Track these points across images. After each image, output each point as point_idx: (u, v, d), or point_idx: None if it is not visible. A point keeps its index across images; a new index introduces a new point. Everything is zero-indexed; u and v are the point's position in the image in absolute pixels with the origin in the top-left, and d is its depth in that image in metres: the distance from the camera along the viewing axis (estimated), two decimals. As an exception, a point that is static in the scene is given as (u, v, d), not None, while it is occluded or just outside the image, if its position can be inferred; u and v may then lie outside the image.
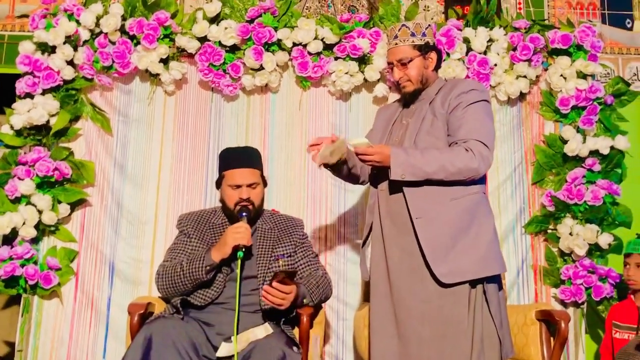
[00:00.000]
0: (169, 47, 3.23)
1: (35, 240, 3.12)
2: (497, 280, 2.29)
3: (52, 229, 3.13)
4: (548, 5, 3.94)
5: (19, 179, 3.06)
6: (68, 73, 3.16)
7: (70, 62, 3.19)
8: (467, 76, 3.28)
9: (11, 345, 3.72)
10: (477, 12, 3.41)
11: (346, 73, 3.27)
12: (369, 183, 2.56)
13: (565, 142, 3.31)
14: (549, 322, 2.62)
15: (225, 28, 3.25)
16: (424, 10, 3.83)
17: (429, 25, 2.42)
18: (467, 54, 3.32)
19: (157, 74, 3.26)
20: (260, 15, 3.27)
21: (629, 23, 4.00)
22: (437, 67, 2.46)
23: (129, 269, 3.18)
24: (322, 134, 3.32)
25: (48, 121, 3.14)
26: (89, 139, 3.26)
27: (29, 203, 3.06)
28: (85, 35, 3.20)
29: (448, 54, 3.28)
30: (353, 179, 2.56)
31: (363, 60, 3.30)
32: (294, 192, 3.30)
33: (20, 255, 2.99)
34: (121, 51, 3.18)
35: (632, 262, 3.00)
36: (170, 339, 2.17)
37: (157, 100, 3.34)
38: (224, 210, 2.60)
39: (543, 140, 3.40)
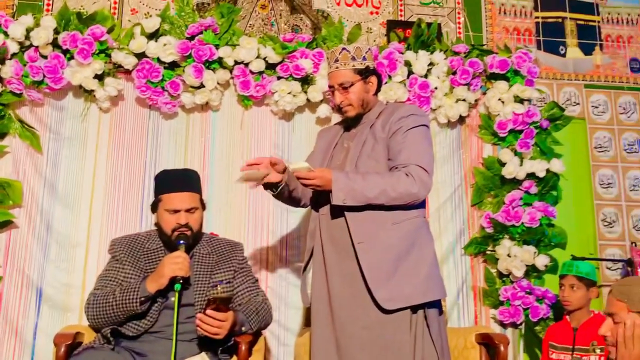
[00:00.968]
0: (105, 62, 3.12)
1: (-46, 265, 2.93)
2: (437, 305, 2.29)
3: (-26, 252, 2.94)
4: (486, 31, 4.04)
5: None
6: (-6, 87, 3.00)
7: (-4, 76, 3.03)
8: (409, 99, 3.31)
9: None
10: (418, 35, 3.46)
11: (289, 93, 3.23)
12: (310, 206, 2.52)
13: (503, 164, 3.38)
14: (489, 345, 2.63)
15: (165, 44, 3.16)
16: (367, 32, 3.85)
17: (369, 49, 2.42)
18: (408, 76, 3.35)
19: (92, 90, 3.14)
20: (201, 32, 3.20)
21: (562, 50, 4.15)
22: (377, 90, 2.46)
23: (58, 294, 3.02)
24: (264, 154, 3.27)
25: (-28, 138, 2.96)
26: (17, 157, 3.10)
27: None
28: (13, 47, 3.04)
29: (390, 77, 3.30)
30: (294, 201, 2.52)
31: (306, 81, 3.28)
32: (234, 214, 3.23)
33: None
34: (53, 66, 3.04)
35: (567, 283, 3.06)
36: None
37: (92, 117, 3.21)
38: (160, 236, 2.48)
39: (482, 162, 3.45)
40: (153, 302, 2.30)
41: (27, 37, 3.06)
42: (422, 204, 2.33)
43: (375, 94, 2.45)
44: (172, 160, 3.21)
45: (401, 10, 3.96)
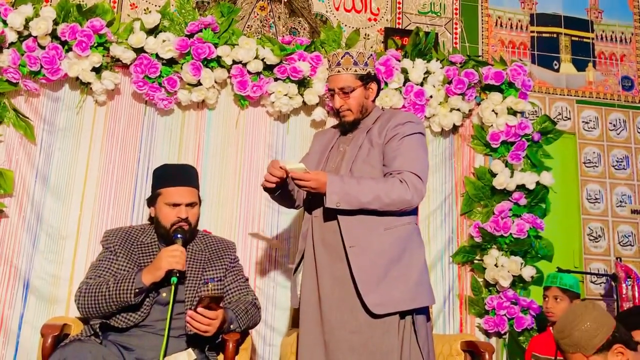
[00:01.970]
0: (103, 55, 3.11)
1: (-58, 252, 2.90)
2: (425, 311, 2.31)
3: (-38, 240, 2.93)
4: (482, 42, 4.09)
5: None
6: (-10, 75, 2.99)
7: (-6, 64, 3.02)
8: (404, 106, 3.34)
9: None
10: (415, 44, 3.49)
11: (285, 95, 3.25)
12: (303, 207, 2.54)
13: (494, 175, 3.41)
14: (474, 352, 2.66)
15: (163, 40, 3.16)
16: (364, 38, 3.88)
17: (371, 54, 2.44)
18: (404, 84, 3.38)
19: (89, 83, 3.13)
20: (200, 31, 3.20)
21: (555, 65, 4.21)
22: (376, 96, 2.48)
23: (46, 285, 3.00)
24: (258, 154, 3.30)
25: (-35, 125, 2.95)
26: (10, 146, 3.08)
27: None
28: (12, 37, 3.03)
29: (386, 83, 3.32)
30: (288, 202, 2.53)
31: (303, 83, 3.29)
32: (225, 213, 3.23)
33: None
34: (51, 56, 3.03)
35: (550, 294, 3.09)
36: (85, 363, 2.04)
37: (87, 110, 3.21)
38: (156, 229, 2.47)
39: (473, 172, 3.49)
40: (146, 296, 2.30)
41: (26, 27, 3.05)
42: (414, 211, 2.35)
43: (374, 100, 2.47)
44: (166, 156, 3.21)
45: (399, 18, 4.00)
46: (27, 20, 3.04)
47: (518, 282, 3.31)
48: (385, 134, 2.34)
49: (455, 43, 4.01)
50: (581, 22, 4.32)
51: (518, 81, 3.47)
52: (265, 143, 3.34)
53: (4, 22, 3.02)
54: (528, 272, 3.29)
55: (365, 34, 3.90)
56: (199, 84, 3.20)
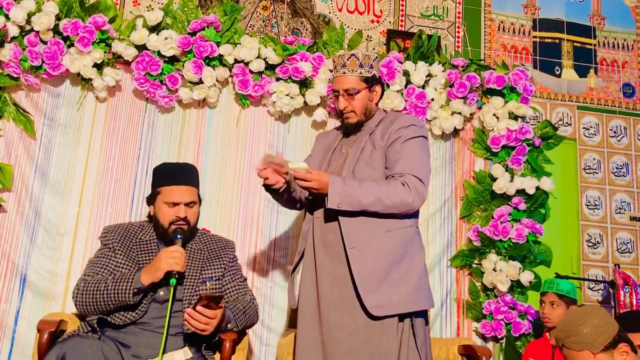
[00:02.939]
0: (105, 52, 3.11)
1: (-61, 245, 2.89)
2: (424, 314, 2.30)
3: (-40, 233, 2.91)
4: (485, 46, 4.09)
5: None
6: (-9, 69, 2.98)
7: (-5, 58, 3.01)
8: (405, 108, 3.34)
9: None
10: (418, 46, 3.48)
11: (287, 95, 3.24)
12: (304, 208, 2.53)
13: (494, 179, 3.41)
14: (471, 356, 2.65)
15: (166, 38, 3.16)
16: (367, 40, 3.87)
17: (377, 57, 2.44)
18: (406, 86, 3.37)
19: (90, 79, 3.12)
20: (202, 29, 3.20)
21: (557, 70, 4.21)
22: (379, 99, 2.47)
23: (43, 281, 2.99)
24: (258, 153, 3.29)
25: (-35, 119, 2.94)
26: (10, 140, 3.07)
27: None
28: (14, 31, 3.02)
29: (388, 85, 3.32)
30: (291, 202, 2.52)
31: (304, 84, 3.29)
32: (224, 212, 3.22)
33: None
34: (52, 52, 3.02)
35: (547, 300, 3.09)
36: (85, 359, 2.03)
37: (87, 106, 3.20)
38: (155, 228, 2.45)
39: (473, 176, 3.49)
40: (144, 295, 2.29)
41: (28, 22, 3.04)
42: (415, 214, 2.35)
43: (377, 102, 2.47)
44: (166, 154, 3.20)
45: (402, 21, 4.00)
46: (30, 15, 3.03)
47: (516, 287, 3.31)
48: (388, 136, 2.33)
49: (458, 46, 4.01)
50: (583, 28, 4.32)
51: (520, 86, 3.47)
52: (266, 143, 3.34)
53: (6, 17, 3.00)
54: (526, 277, 3.29)
55: (368, 36, 3.90)
56: (200, 82, 3.19)
